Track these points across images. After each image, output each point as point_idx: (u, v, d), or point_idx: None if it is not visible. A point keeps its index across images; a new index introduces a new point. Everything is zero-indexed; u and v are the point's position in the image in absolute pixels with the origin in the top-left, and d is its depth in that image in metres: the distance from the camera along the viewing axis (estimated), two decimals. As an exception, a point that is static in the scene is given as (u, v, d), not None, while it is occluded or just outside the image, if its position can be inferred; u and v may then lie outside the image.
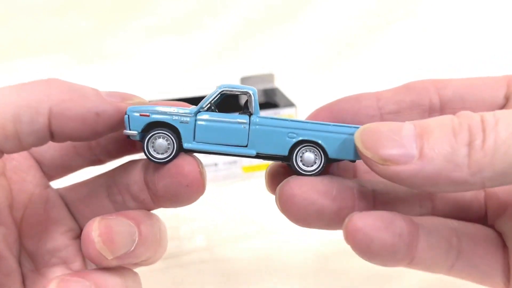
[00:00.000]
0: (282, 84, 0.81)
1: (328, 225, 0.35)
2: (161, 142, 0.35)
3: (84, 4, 0.99)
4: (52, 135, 0.33)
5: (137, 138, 0.35)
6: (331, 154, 0.35)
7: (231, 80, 0.73)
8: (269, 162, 0.38)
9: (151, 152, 0.35)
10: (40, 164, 0.40)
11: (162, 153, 0.35)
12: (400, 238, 0.33)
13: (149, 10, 0.99)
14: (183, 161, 0.35)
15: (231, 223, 0.65)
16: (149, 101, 0.38)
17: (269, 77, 0.81)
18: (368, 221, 0.33)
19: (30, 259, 0.39)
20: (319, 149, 0.35)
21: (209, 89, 0.38)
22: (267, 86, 0.80)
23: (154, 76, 0.94)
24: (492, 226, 0.37)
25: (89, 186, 0.40)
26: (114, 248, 0.35)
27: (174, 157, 0.35)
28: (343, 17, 1.01)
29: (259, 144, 0.35)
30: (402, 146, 0.30)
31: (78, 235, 0.40)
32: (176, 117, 0.35)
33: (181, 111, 0.35)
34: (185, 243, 0.62)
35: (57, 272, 0.38)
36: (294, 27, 1.00)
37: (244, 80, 0.79)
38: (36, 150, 0.40)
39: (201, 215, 0.64)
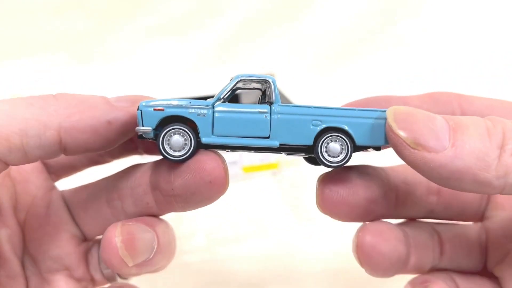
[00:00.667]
0: (282, 84, 0.81)
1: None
2: (178, 139, 0.33)
3: (84, 4, 0.98)
4: (65, 149, 0.33)
5: (151, 135, 0.33)
6: (359, 141, 0.33)
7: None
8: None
9: (167, 150, 0.33)
10: (45, 164, 0.40)
11: (179, 150, 0.33)
12: None
13: (149, 10, 0.99)
14: (205, 156, 0.33)
15: (231, 223, 0.64)
16: None
17: (269, 77, 0.81)
18: None
19: (34, 262, 0.38)
20: (346, 137, 0.33)
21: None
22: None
23: (154, 76, 0.94)
24: (490, 271, 0.38)
25: (89, 190, 0.39)
26: (136, 254, 0.34)
27: (192, 154, 0.33)
28: (343, 17, 1.00)
29: (282, 134, 0.33)
30: (436, 134, 0.30)
31: (81, 242, 0.39)
32: (193, 110, 0.33)
33: (197, 103, 0.33)
34: (185, 243, 0.62)
35: (60, 279, 0.38)
36: (294, 27, 1.00)
37: (244, 80, 0.79)
38: None
39: (201, 215, 0.64)
